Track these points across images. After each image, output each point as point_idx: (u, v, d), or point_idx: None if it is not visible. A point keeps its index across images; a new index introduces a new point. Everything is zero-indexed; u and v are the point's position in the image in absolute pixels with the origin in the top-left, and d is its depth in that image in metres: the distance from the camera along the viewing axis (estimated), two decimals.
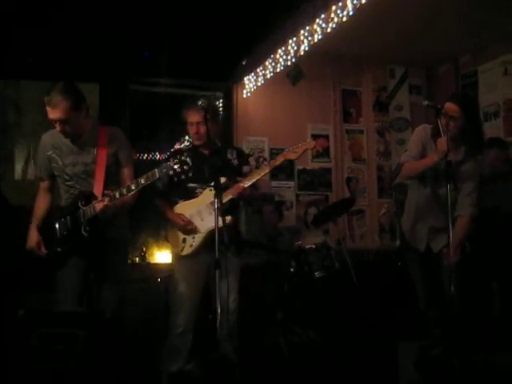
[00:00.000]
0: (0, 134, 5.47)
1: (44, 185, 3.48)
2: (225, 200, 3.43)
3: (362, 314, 4.67)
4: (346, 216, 6.14)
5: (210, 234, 3.49)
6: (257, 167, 4.18)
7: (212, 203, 3.41)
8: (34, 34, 5.17)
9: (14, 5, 4.81)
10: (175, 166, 3.15)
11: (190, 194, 3.69)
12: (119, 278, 3.41)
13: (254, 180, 3.56)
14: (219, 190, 3.22)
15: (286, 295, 4.79)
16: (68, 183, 3.36)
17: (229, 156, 3.80)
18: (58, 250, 3.29)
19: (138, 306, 4.49)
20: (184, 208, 3.68)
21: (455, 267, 3.35)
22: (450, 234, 3.28)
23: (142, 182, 3.16)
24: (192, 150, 3.77)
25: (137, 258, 5.85)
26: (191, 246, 3.62)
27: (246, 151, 5.97)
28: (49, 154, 3.37)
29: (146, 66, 5.59)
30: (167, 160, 3.58)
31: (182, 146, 3.85)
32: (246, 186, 3.52)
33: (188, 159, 3.67)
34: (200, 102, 3.31)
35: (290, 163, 6.17)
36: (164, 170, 3.14)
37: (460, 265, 3.43)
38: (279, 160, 3.59)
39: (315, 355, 4.28)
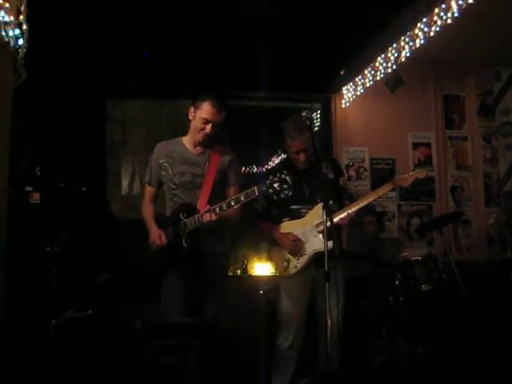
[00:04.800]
0: (108, 153, 5.71)
1: (150, 190, 3.58)
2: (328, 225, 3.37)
3: (472, 329, 4.44)
4: (451, 226, 5.90)
5: (315, 256, 3.48)
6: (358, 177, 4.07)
7: (318, 225, 3.41)
8: (135, 56, 5.40)
9: (118, 31, 5.04)
10: (275, 185, 3.10)
11: (295, 214, 3.63)
12: (219, 291, 3.42)
13: (358, 207, 3.49)
14: (329, 212, 3.13)
15: (390, 309, 4.64)
16: (173, 192, 3.44)
17: (324, 170, 3.70)
18: (161, 258, 3.37)
19: (240, 318, 4.50)
20: (289, 228, 3.63)
21: None
22: None
23: (242, 199, 3.17)
24: (288, 167, 3.64)
25: (238, 271, 5.90)
26: (295, 267, 3.57)
27: (346, 162, 5.92)
28: (161, 161, 3.49)
29: (244, 81, 5.65)
30: (265, 178, 3.60)
31: (277, 162, 3.77)
32: (351, 211, 3.46)
33: (288, 177, 3.53)
34: (304, 113, 3.25)
35: (390, 173, 6.05)
36: (264, 188, 3.11)
37: None
38: (388, 187, 3.54)
39: (423, 371, 4.11)
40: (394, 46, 4.96)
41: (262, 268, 5.98)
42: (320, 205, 3.46)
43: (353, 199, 3.63)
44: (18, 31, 3.34)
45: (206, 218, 3.21)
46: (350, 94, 5.87)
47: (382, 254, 5.18)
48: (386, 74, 5.35)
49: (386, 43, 4.97)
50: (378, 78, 5.43)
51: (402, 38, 4.79)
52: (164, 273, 3.36)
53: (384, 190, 3.58)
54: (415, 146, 6.15)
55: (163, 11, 4.93)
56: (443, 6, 4.26)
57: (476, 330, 4.38)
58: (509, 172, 6.04)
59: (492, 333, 4.37)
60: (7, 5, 3.26)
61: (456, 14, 4.19)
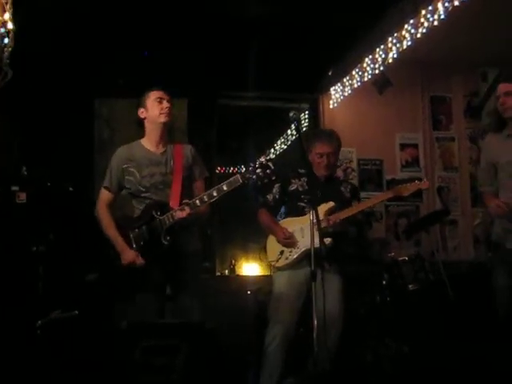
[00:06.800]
0: (96, 152, 5.68)
1: (109, 195, 3.45)
2: (322, 225, 3.41)
3: (458, 328, 4.48)
4: (438, 227, 5.93)
5: (309, 252, 3.50)
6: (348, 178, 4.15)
7: (316, 223, 3.44)
8: (125, 55, 5.38)
9: (107, 29, 5.03)
10: (258, 170, 3.13)
11: (299, 212, 3.77)
12: (195, 291, 3.39)
13: (353, 213, 3.63)
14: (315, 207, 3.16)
15: (378, 308, 4.67)
16: (144, 195, 3.35)
17: (342, 189, 3.88)
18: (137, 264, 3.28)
19: (226, 319, 4.50)
20: (289, 223, 3.78)
21: None
22: None
23: (225, 188, 3.17)
24: (309, 175, 3.74)
25: (226, 271, 5.90)
26: (286, 258, 3.68)
27: None
28: (124, 166, 3.39)
29: (233, 80, 5.65)
30: (285, 175, 3.79)
31: (302, 171, 3.88)
32: (341, 218, 3.60)
33: (270, 163, 3.56)
34: (292, 114, 3.27)
35: (377, 174, 6.08)
36: (247, 176, 3.13)
37: None
38: (388, 195, 3.73)
39: (410, 369, 4.14)
40: (382, 47, 4.96)
41: (250, 268, 5.99)
42: (323, 205, 3.61)
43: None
44: (2, 30, 3.32)
45: (179, 215, 3.20)
46: (337, 95, 5.87)
47: (369, 254, 5.20)
48: (373, 74, 5.37)
49: (374, 44, 4.98)
50: (366, 78, 5.44)
51: (389, 39, 4.80)
52: (140, 275, 3.30)
53: (384, 196, 3.82)
54: (403, 146, 6.16)
55: (153, 11, 4.92)
56: (430, 7, 4.28)
57: (462, 329, 4.43)
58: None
59: (477, 332, 4.40)
60: None
61: (442, 16, 4.21)
